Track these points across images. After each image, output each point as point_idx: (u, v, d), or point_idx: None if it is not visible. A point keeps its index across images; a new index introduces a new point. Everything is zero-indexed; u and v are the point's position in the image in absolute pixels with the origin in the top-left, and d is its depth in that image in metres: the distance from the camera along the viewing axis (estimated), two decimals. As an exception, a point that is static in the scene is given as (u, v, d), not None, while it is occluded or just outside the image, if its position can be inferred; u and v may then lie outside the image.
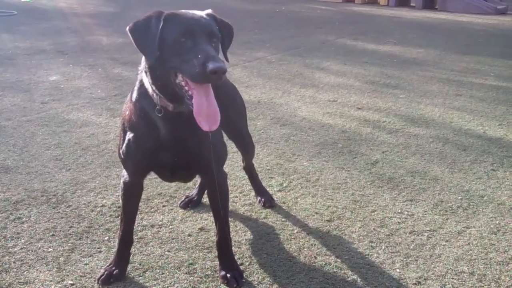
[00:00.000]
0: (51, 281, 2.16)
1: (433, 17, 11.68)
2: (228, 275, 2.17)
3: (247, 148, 2.80)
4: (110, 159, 3.39)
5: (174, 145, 1.97)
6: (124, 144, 2.01)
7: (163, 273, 2.23)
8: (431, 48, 7.74)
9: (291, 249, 2.44)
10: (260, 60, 6.64)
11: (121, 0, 13.58)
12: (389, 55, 7.12)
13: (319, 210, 2.81)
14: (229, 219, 2.37)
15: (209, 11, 1.95)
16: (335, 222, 2.70)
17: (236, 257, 2.32)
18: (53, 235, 2.49)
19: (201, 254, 2.38)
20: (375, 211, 2.82)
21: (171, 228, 2.60)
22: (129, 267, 2.25)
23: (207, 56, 1.73)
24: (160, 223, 2.64)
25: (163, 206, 2.81)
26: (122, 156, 2.05)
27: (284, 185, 3.11)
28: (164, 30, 1.81)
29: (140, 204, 2.77)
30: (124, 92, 4.97)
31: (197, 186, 2.87)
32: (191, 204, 2.82)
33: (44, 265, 2.27)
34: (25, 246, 2.40)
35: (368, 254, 2.42)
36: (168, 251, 2.40)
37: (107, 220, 2.65)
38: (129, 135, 2.00)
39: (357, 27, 9.92)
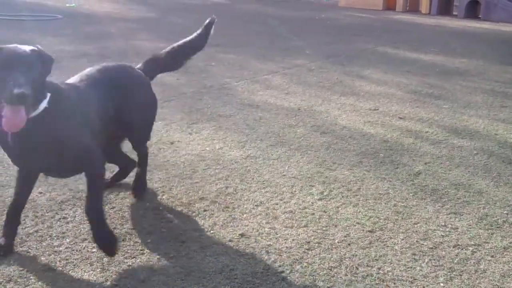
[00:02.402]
0: (95, 281, 2.20)
1: (476, 27, 11.51)
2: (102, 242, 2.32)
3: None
4: (153, 162, 3.43)
5: (21, 149, 2.26)
6: None
7: (204, 277, 2.24)
8: (474, 58, 7.62)
9: (332, 258, 2.43)
10: (300, 67, 6.63)
11: (162, 5, 13.77)
12: (431, 65, 7.03)
13: (360, 220, 2.79)
14: (269, 225, 2.36)
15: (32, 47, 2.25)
16: (377, 233, 2.67)
17: (276, 265, 2.32)
18: (97, 236, 2.53)
19: (241, 260, 2.38)
20: (418, 223, 2.79)
21: (212, 233, 2.61)
22: (171, 270, 2.27)
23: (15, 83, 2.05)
24: (201, 227, 2.65)
25: (204, 211, 2.83)
26: None
27: (325, 193, 3.09)
28: None
29: (182, 208, 2.81)
30: (166, 97, 5.02)
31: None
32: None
33: (89, 265, 2.30)
34: (70, 246, 2.44)
35: (411, 267, 2.38)
36: (209, 255, 2.41)
37: (149, 223, 2.68)
38: None
39: (398, 35, 9.84)
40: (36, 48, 2.25)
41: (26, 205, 2.72)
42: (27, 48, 2.22)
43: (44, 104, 2.21)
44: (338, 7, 14.89)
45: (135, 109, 2.78)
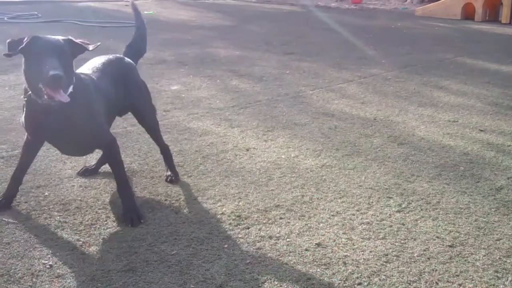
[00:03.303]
0: (173, 283, 2.24)
1: (562, 37, 11.00)
2: (127, 215, 2.71)
3: (153, 132, 3.36)
4: (229, 168, 3.47)
5: (50, 124, 2.62)
6: (23, 117, 2.74)
7: (281, 286, 2.24)
8: (560, 70, 7.28)
9: (411, 272, 2.37)
10: (376, 76, 6.55)
11: (238, 14, 13.96)
12: (513, 76, 6.77)
13: (440, 235, 2.71)
14: (345, 236, 2.34)
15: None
16: (458, 248, 2.59)
17: (354, 276, 2.30)
18: (175, 239, 2.59)
19: (318, 270, 2.37)
20: (501, 239, 2.68)
21: (288, 241, 2.61)
22: (248, 276, 2.29)
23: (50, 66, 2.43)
24: (277, 235, 2.66)
25: (280, 218, 2.83)
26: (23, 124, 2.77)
27: (403, 206, 3.03)
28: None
29: (258, 215, 2.82)
30: (241, 104, 5.08)
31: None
32: (87, 172, 3.29)
33: (167, 267, 2.35)
34: (149, 248, 2.50)
35: (493, 285, 2.30)
36: (286, 263, 2.41)
37: (226, 228, 2.71)
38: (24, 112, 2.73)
39: (477, 45, 9.54)
40: (67, 38, 2.64)
41: (108, 206, 2.82)
42: (60, 37, 2.61)
43: (71, 89, 2.58)
44: (415, 16, 14.60)
45: (138, 91, 3.24)
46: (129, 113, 3.27)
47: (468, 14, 13.96)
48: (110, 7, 14.57)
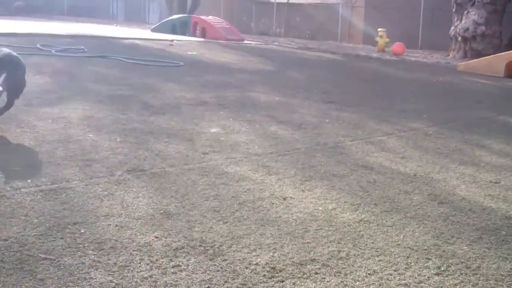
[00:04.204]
0: (204, 334, 2.19)
1: None
2: None
3: None
4: (265, 217, 3.44)
5: None
6: None
7: None
8: None
9: None
10: (416, 131, 6.48)
11: (279, 59, 14.11)
12: (558, 139, 6.62)
13: (481, 302, 2.61)
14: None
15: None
16: (500, 318, 2.49)
17: None
18: (208, 287, 2.55)
19: (353, 331, 2.29)
20: (545, 312, 2.57)
21: (323, 298, 2.54)
22: (280, 333, 2.22)
23: None
24: (312, 291, 2.60)
25: (316, 273, 2.77)
26: None
27: (442, 268, 2.94)
28: None
29: (293, 268, 2.78)
30: (279, 151, 5.07)
31: None
32: None
33: (199, 317, 2.31)
34: (182, 295, 2.47)
35: None
36: (319, 322, 2.34)
37: (260, 280, 2.66)
38: None
39: (521, 105, 9.40)
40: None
41: (143, 248, 2.81)
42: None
43: None
44: (457, 71, 14.53)
45: None
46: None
47: (511, 72, 13.83)
48: (155, 46, 14.91)
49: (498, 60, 14.06)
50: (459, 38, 18.70)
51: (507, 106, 9.17)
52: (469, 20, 18.33)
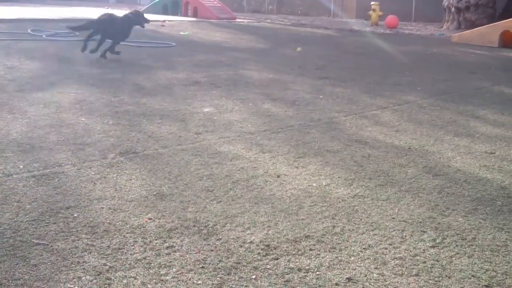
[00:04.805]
0: (199, 314, 2.19)
1: None
2: None
3: None
4: (259, 195, 3.42)
5: None
6: None
7: (309, 322, 2.17)
8: None
9: (445, 313, 2.28)
10: (411, 104, 6.45)
11: (272, 36, 14.00)
12: (553, 107, 6.60)
13: (476, 273, 2.61)
14: (377, 271, 2.24)
15: None
16: (495, 288, 2.49)
17: (386, 315, 2.20)
18: (203, 267, 2.54)
19: (348, 306, 2.29)
20: (541, 281, 2.57)
21: (318, 274, 2.53)
22: (276, 311, 2.22)
23: None
24: (307, 267, 2.59)
25: (310, 250, 2.76)
26: None
27: (438, 241, 2.93)
28: None
29: (287, 245, 2.76)
30: (273, 128, 5.04)
31: None
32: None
33: (193, 297, 2.30)
34: (176, 276, 2.46)
35: (533, 330, 2.19)
36: (315, 298, 2.34)
37: (254, 258, 2.65)
38: None
39: (516, 74, 9.37)
40: None
41: (136, 230, 2.80)
42: None
43: None
44: (451, 43, 14.46)
45: None
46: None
47: (505, 41, 13.77)
48: (148, 27, 14.75)
49: (492, 30, 13.99)
50: (453, 9, 18.58)
51: (501, 76, 9.13)
52: (462, -10, 18.19)
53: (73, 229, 2.85)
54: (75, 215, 3.02)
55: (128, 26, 8.90)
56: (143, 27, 9.11)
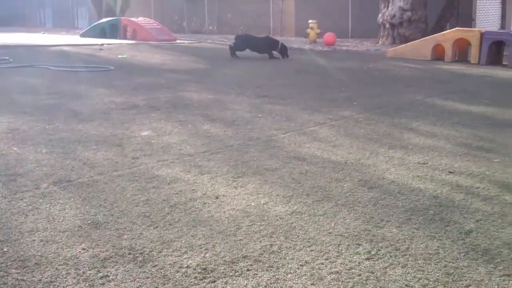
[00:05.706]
0: None
1: (529, 76, 11.24)
2: None
3: None
4: (197, 218, 3.40)
5: None
6: None
7: None
8: (527, 109, 7.40)
9: (379, 324, 2.31)
10: (347, 119, 6.58)
11: (212, 57, 14.04)
12: (481, 116, 6.86)
13: (409, 283, 2.67)
14: (314, 287, 2.27)
15: None
16: (427, 297, 2.55)
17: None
18: (138, 295, 2.50)
19: (285, 325, 2.30)
20: (470, 286, 2.64)
21: (255, 294, 2.54)
22: (212, 334, 2.20)
23: None
24: (244, 288, 2.59)
25: (248, 270, 2.76)
26: None
27: (372, 253, 2.98)
28: None
29: (225, 267, 2.76)
30: (212, 149, 5.04)
31: None
32: None
33: (128, 326, 2.26)
34: (110, 305, 2.41)
35: (463, 336, 2.25)
36: (251, 319, 2.33)
37: (191, 282, 2.63)
38: None
39: (447, 86, 9.70)
40: None
41: (69, 262, 2.73)
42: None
43: None
44: (387, 58, 14.86)
45: None
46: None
47: (438, 55, 14.27)
48: (84, 51, 14.59)
49: (424, 44, 14.48)
50: (387, 25, 19.14)
51: (434, 88, 9.43)
52: (395, 6, 18.77)
53: (2, 264, 2.76)
54: (5, 249, 2.92)
55: None
56: None
